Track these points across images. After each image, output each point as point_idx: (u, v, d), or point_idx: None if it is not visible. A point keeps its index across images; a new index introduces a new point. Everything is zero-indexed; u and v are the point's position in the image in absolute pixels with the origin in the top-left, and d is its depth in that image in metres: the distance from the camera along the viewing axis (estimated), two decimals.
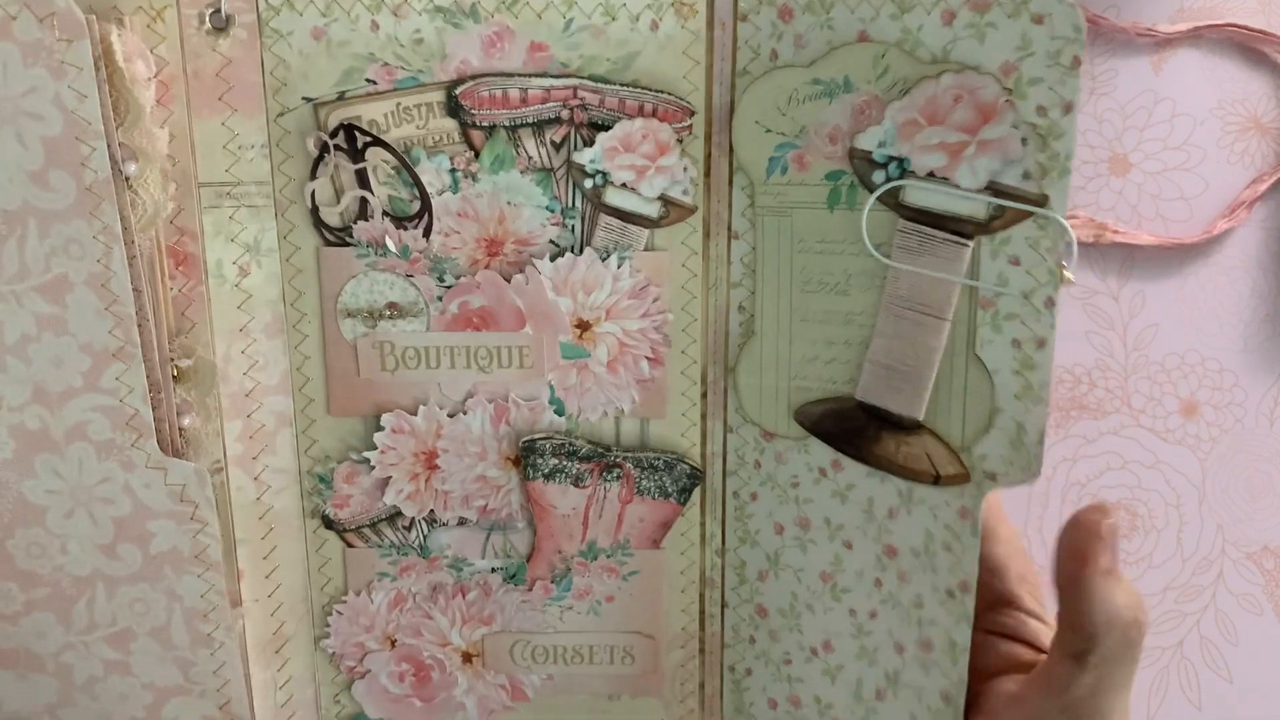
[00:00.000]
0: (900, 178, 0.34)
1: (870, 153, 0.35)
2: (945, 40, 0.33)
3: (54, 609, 0.39)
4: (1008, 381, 0.34)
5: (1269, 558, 0.47)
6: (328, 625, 0.42)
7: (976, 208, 0.33)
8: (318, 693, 0.43)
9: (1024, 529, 0.46)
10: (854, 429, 0.37)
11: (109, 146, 0.34)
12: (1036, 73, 0.32)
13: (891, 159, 0.35)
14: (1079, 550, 0.32)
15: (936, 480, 0.36)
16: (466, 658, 0.43)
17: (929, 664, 0.37)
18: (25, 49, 0.33)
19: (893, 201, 0.35)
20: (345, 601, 0.42)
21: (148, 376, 0.37)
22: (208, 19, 0.36)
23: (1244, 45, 0.43)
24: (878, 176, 0.35)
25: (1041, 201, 0.32)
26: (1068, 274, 0.33)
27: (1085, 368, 0.45)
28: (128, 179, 0.35)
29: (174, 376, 0.38)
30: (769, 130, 0.37)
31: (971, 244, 0.34)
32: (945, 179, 0.34)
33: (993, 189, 0.33)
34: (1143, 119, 0.43)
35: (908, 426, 0.36)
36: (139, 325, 0.36)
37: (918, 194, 0.34)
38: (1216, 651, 0.47)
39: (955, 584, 0.36)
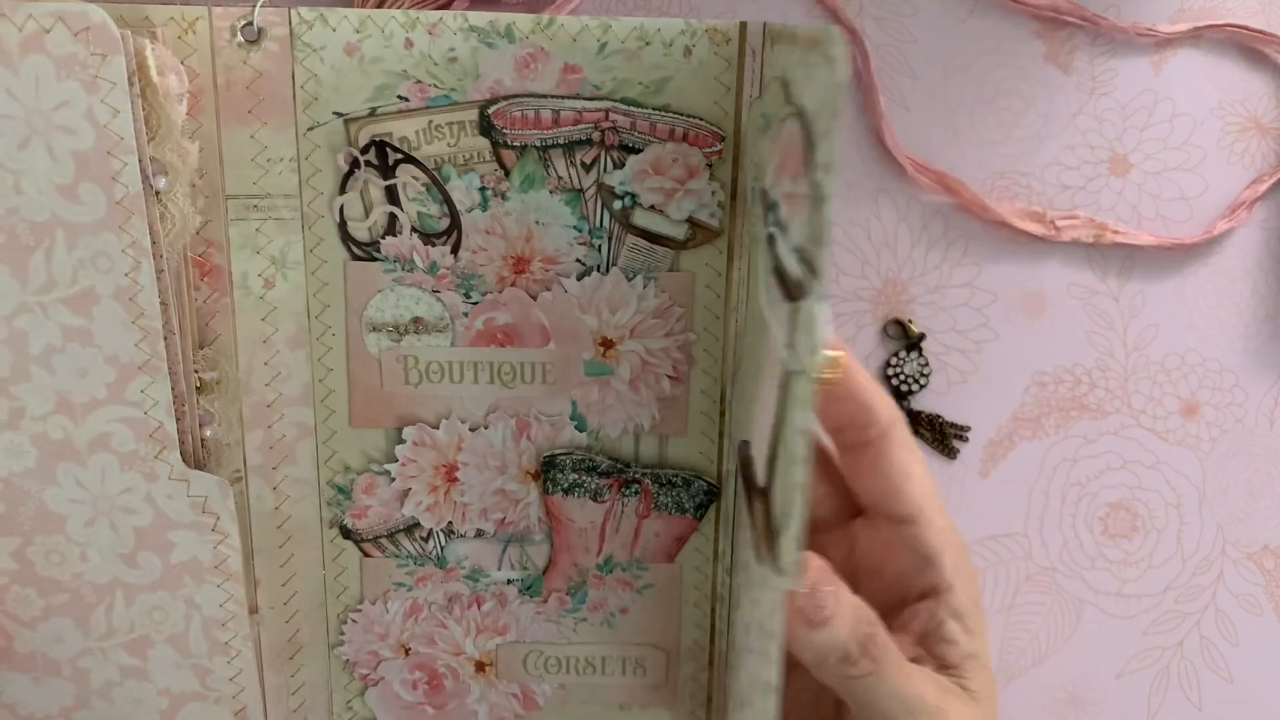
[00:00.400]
0: (774, 225, 0.32)
1: (768, 193, 0.33)
2: (799, 76, 0.30)
3: (72, 615, 0.39)
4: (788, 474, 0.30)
5: (1269, 558, 0.47)
6: (342, 633, 0.43)
7: (796, 268, 0.29)
8: (330, 699, 0.44)
9: (1024, 530, 0.46)
10: (747, 477, 0.36)
11: (140, 161, 0.34)
12: (825, 126, 0.27)
13: (774, 204, 0.32)
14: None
15: (758, 555, 0.33)
16: (480, 667, 0.43)
17: None
18: (58, 62, 0.33)
19: (771, 250, 0.32)
20: (360, 610, 0.42)
21: (172, 389, 0.37)
22: (239, 32, 0.36)
23: (1244, 45, 0.43)
24: (769, 220, 0.32)
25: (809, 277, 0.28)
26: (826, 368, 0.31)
27: (1085, 368, 0.45)
28: (158, 193, 0.35)
29: (197, 388, 0.38)
30: (749, 159, 0.37)
31: (791, 305, 0.30)
32: (787, 232, 0.30)
33: (798, 250, 0.29)
34: (1143, 119, 0.43)
35: (760, 488, 0.33)
36: (165, 339, 0.36)
37: (778, 244, 0.31)
38: (1216, 651, 0.47)
39: (763, 681, 0.33)
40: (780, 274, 0.31)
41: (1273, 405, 0.46)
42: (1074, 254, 0.44)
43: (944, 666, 0.36)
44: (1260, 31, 0.43)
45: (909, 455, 0.36)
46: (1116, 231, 0.43)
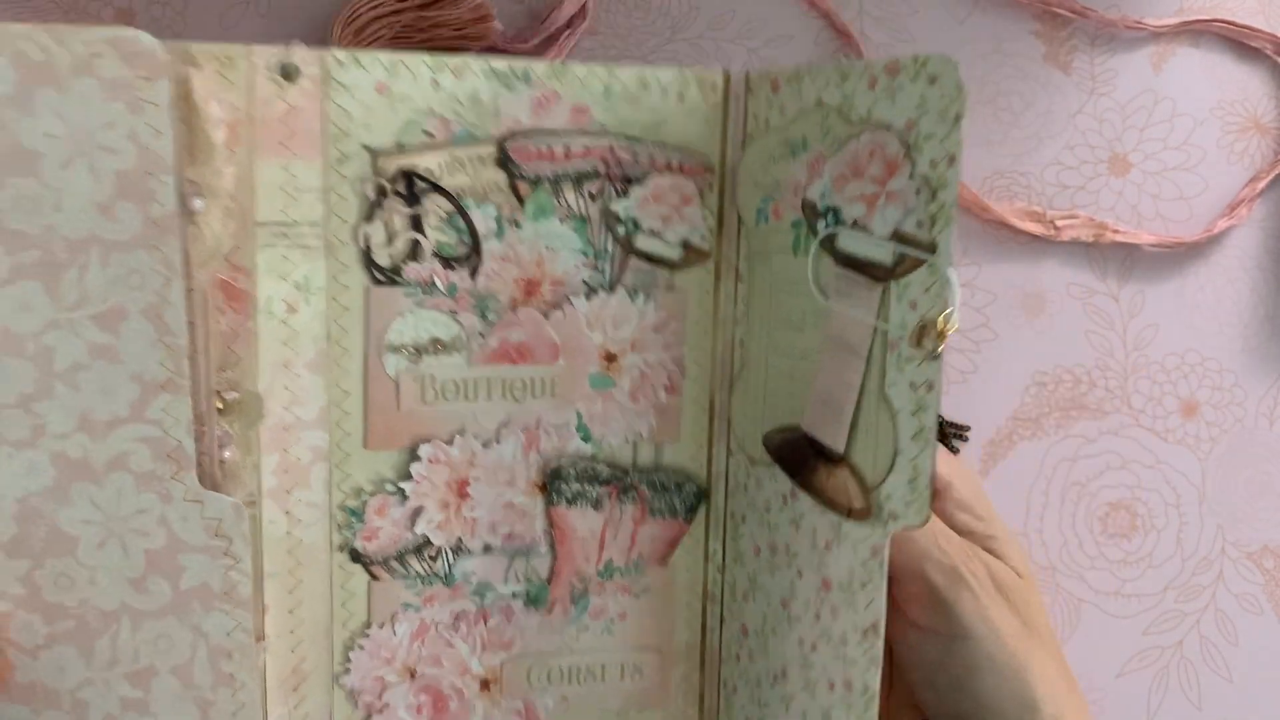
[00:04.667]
0: (835, 225, 0.35)
1: (815, 203, 0.36)
2: (870, 102, 0.34)
3: (77, 643, 0.35)
4: (907, 423, 0.33)
5: (1269, 558, 0.44)
6: (348, 661, 0.39)
7: (884, 253, 0.33)
8: None
9: (1024, 529, 0.43)
10: (800, 458, 0.37)
11: (178, 182, 0.32)
12: (930, 129, 0.32)
13: (830, 209, 0.35)
14: None
15: (849, 514, 0.35)
16: (484, 685, 0.40)
17: (850, 704, 0.36)
18: (105, 85, 0.31)
19: (831, 248, 0.35)
20: (368, 635, 0.39)
21: (193, 409, 0.34)
22: (276, 70, 0.34)
23: (1243, 45, 0.40)
24: (820, 225, 0.35)
25: (931, 248, 0.32)
26: (951, 323, 0.32)
27: (1085, 368, 0.42)
28: (193, 214, 0.33)
29: (218, 409, 0.35)
30: (757, 184, 0.38)
31: (881, 286, 0.34)
32: (864, 227, 0.34)
33: (896, 236, 0.33)
34: (1143, 119, 0.40)
35: (835, 459, 0.35)
36: (190, 358, 0.33)
37: (846, 240, 0.35)
38: (1216, 651, 0.44)
39: (868, 624, 0.34)
40: (856, 264, 0.33)
41: (1272, 405, 0.43)
42: (1074, 254, 0.41)
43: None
44: (1259, 31, 0.40)
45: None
46: (1116, 231, 0.40)
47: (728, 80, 0.38)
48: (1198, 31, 0.41)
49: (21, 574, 0.34)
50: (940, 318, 0.31)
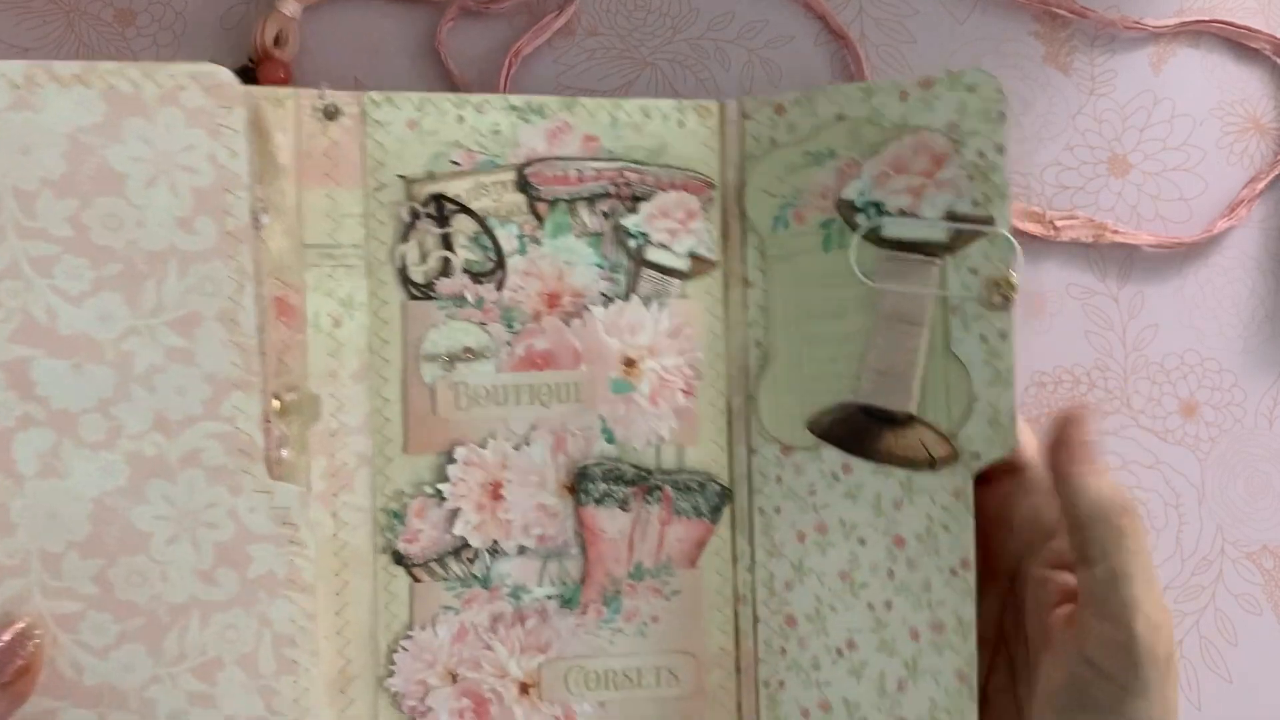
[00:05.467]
0: (879, 216, 0.40)
1: (853, 201, 0.41)
2: (902, 111, 0.39)
3: (146, 640, 0.38)
4: (980, 371, 0.38)
5: (1268, 558, 0.44)
6: (393, 664, 0.42)
7: (938, 232, 0.38)
8: None
9: None
10: (858, 430, 0.41)
11: (250, 198, 0.38)
12: (972, 127, 0.37)
13: (870, 204, 0.40)
14: (1061, 449, 0.34)
15: (932, 464, 0.39)
16: (523, 689, 0.42)
17: (942, 645, 0.39)
18: (189, 114, 0.37)
19: (874, 237, 0.40)
20: (410, 637, 0.42)
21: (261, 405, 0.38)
22: (320, 109, 0.41)
23: (1243, 45, 0.41)
24: (860, 219, 0.40)
25: (990, 221, 0.37)
26: (1014, 278, 0.36)
27: (1085, 368, 0.43)
28: (260, 228, 0.38)
29: (276, 411, 0.39)
30: (773, 196, 0.43)
31: (940, 262, 0.39)
32: (912, 214, 0.39)
33: (950, 216, 0.38)
34: (1143, 119, 0.41)
35: (901, 421, 0.40)
36: (260, 355, 0.38)
37: (893, 228, 0.40)
38: (1216, 651, 0.45)
39: (956, 562, 0.38)
40: (907, 246, 0.39)
41: (1271, 405, 0.44)
42: (1073, 254, 0.42)
43: None
44: (1258, 31, 0.40)
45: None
46: (1116, 231, 0.41)
47: (722, 108, 0.44)
48: (1197, 32, 0.42)
49: (94, 573, 0.38)
50: (1009, 273, 0.36)
